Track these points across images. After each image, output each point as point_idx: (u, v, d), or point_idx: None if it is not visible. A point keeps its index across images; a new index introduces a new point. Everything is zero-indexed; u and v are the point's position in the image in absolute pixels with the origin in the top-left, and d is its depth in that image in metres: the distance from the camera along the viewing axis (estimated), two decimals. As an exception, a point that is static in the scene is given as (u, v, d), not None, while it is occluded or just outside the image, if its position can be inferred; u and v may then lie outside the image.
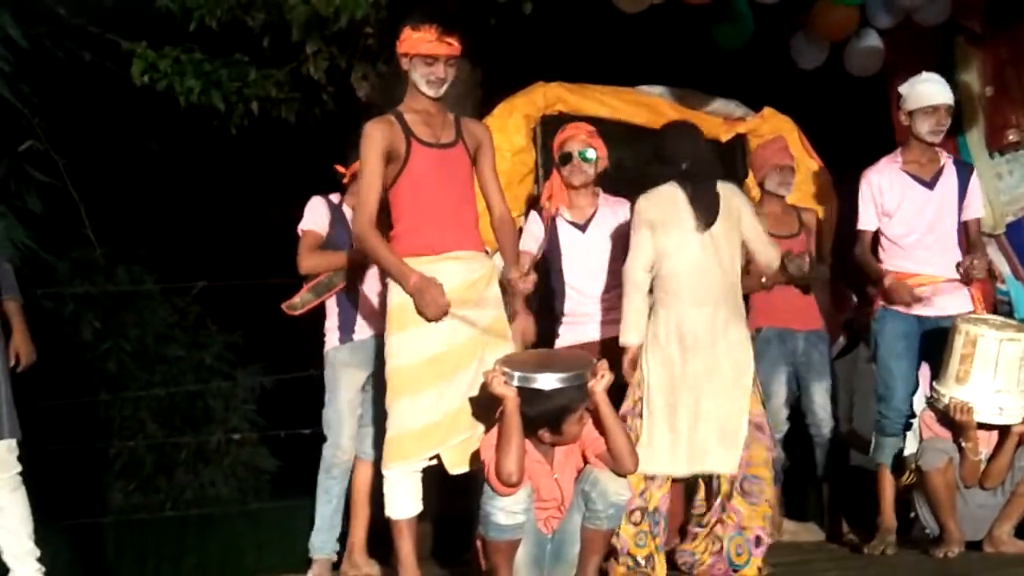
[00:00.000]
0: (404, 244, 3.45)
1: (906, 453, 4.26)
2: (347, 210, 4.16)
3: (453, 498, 3.85)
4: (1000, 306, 5.27)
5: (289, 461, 4.06)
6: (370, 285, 4.05)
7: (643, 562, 3.64)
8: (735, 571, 3.68)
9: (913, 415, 4.25)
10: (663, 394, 3.70)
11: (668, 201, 3.77)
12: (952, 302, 4.21)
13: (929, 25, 5.37)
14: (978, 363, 3.92)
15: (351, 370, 4.06)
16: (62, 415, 5.86)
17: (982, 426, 4.02)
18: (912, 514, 4.26)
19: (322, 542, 4.09)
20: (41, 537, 3.85)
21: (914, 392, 4.30)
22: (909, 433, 4.31)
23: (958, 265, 4.20)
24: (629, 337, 3.76)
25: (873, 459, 4.33)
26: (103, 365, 6.31)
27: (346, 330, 4.08)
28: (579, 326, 4.23)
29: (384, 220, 3.50)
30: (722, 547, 3.69)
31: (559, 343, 4.24)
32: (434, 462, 3.46)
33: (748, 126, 5.40)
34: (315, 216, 4.16)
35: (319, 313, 4.18)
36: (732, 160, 5.38)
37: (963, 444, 4.03)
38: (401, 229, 3.48)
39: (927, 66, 4.63)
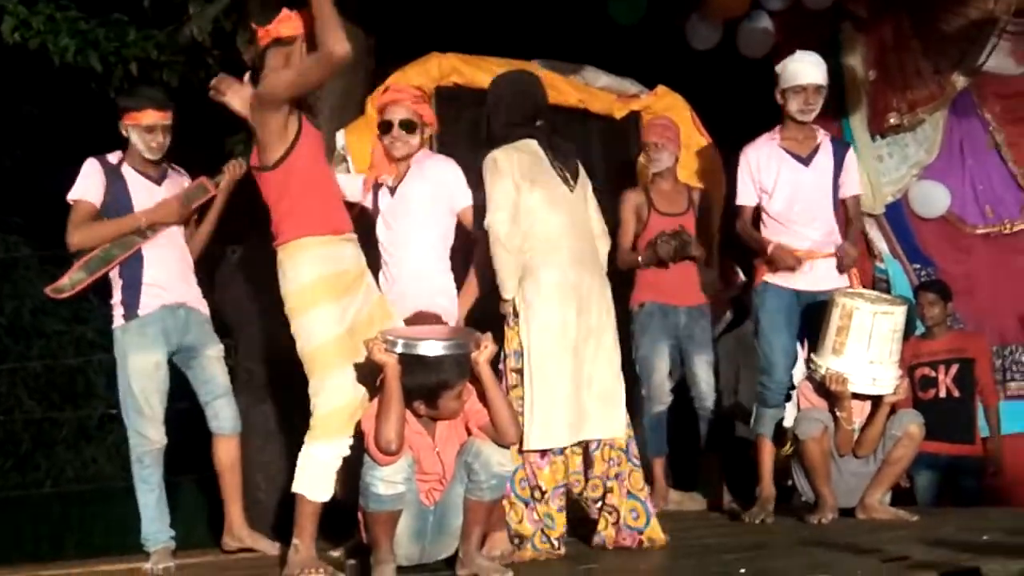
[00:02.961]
0: (307, 224, 3.38)
1: (787, 424, 4.38)
2: (128, 172, 3.88)
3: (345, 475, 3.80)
4: (878, 284, 5.47)
5: (173, 436, 3.96)
6: (156, 252, 3.86)
7: (555, 543, 3.57)
8: (640, 534, 3.65)
9: (793, 387, 4.36)
10: (547, 361, 3.55)
11: (531, 156, 3.62)
12: (829, 277, 4.33)
13: (817, 9, 5.50)
14: (853, 335, 4.04)
15: (142, 351, 3.80)
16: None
17: (856, 396, 4.14)
18: (790, 482, 4.38)
19: (154, 533, 3.88)
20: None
21: (793, 364, 4.41)
22: (789, 404, 4.43)
23: (836, 249, 4.30)
24: (507, 289, 3.58)
25: (754, 430, 4.43)
26: (-25, 338, 6.06)
27: (131, 306, 3.83)
28: (406, 298, 3.84)
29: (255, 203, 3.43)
30: (618, 517, 3.64)
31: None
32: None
33: (642, 103, 5.45)
34: (88, 183, 3.82)
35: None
36: (626, 137, 5.43)
37: (838, 414, 4.15)
38: (299, 210, 3.38)
39: (813, 48, 4.73)
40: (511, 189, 3.57)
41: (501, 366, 3.61)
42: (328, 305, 3.37)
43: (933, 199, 5.64)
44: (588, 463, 3.68)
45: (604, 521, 3.68)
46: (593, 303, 3.63)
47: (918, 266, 5.58)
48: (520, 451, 3.51)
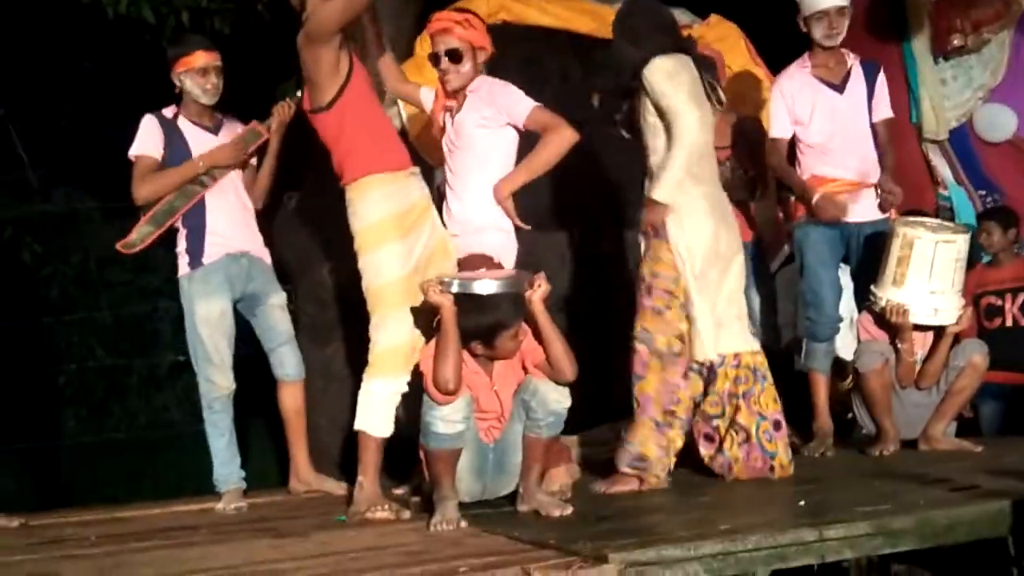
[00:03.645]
0: (373, 161, 3.40)
1: (847, 357, 4.34)
2: (185, 125, 3.91)
3: (409, 416, 3.86)
4: (942, 211, 5.32)
5: (241, 381, 4.05)
6: (217, 202, 3.90)
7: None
8: (772, 459, 3.65)
9: (841, 320, 4.30)
10: (708, 270, 3.60)
11: (691, 72, 3.61)
12: (874, 207, 4.24)
13: (876, -71, 5.31)
14: (914, 265, 3.97)
15: (207, 299, 3.85)
16: (8, 341, 5.78)
17: (918, 327, 4.08)
18: (850, 415, 4.35)
19: (225, 476, 3.96)
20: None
21: (839, 297, 4.35)
22: (850, 337, 4.38)
23: (876, 186, 4.21)
24: (668, 192, 3.57)
25: (805, 364, 4.39)
26: (46, 292, 6.22)
27: (195, 255, 3.86)
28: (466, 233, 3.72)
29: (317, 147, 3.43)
30: (748, 436, 3.63)
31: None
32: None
33: (695, 33, 5.31)
34: (147, 138, 3.86)
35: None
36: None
37: (899, 345, 4.10)
38: (362, 147, 3.39)
39: (872, -28, 4.59)
40: (688, 97, 3.56)
41: (644, 290, 3.62)
42: (395, 243, 3.40)
43: (999, 122, 5.45)
44: (710, 380, 3.67)
45: (730, 440, 3.66)
46: (730, 220, 3.72)
47: (983, 192, 5.42)
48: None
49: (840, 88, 4.27)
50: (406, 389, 3.44)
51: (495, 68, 4.57)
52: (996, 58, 5.44)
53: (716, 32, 5.32)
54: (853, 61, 4.32)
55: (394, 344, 3.41)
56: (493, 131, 3.63)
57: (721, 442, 3.67)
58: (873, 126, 4.29)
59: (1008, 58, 5.45)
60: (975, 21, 5.29)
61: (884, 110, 4.33)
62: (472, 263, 3.59)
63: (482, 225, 3.62)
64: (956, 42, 5.34)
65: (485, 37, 3.72)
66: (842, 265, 4.44)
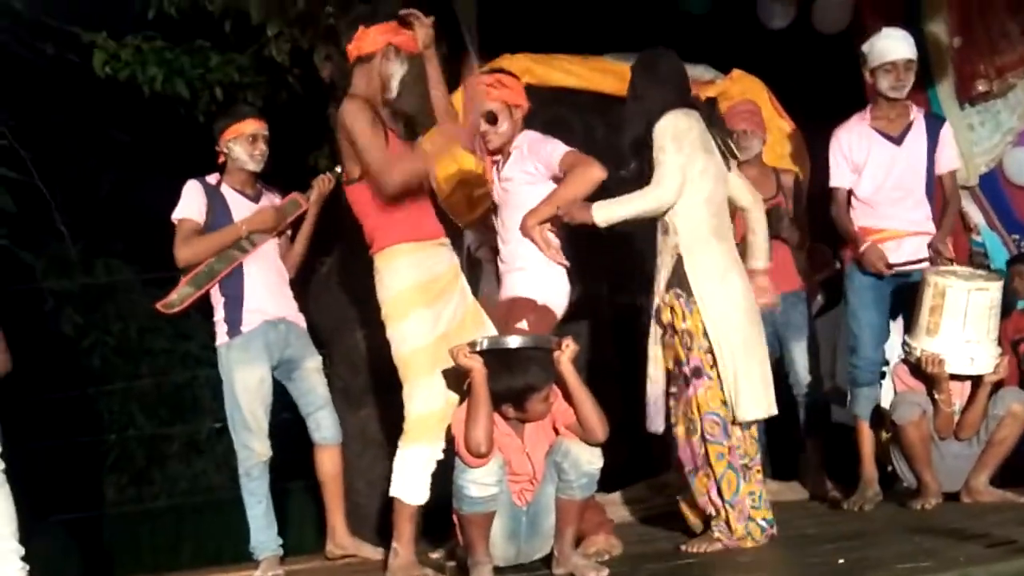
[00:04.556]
0: (397, 232, 3.45)
1: (884, 406, 4.29)
2: (228, 192, 4.01)
3: (443, 481, 3.86)
4: (975, 257, 5.28)
5: (279, 445, 4.09)
6: (255, 269, 3.96)
7: (765, 524, 3.55)
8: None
9: (886, 363, 4.26)
10: (742, 325, 3.55)
11: (700, 123, 3.62)
12: (919, 253, 4.20)
13: (895, -23, 5.35)
14: (947, 314, 3.93)
15: (246, 367, 3.90)
16: (50, 411, 5.87)
17: (955, 377, 4.03)
18: (890, 468, 4.28)
19: (263, 543, 3.99)
20: (35, 533, 3.84)
21: (883, 341, 4.31)
22: (887, 387, 4.32)
23: (928, 245, 4.19)
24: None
25: (850, 412, 4.34)
26: (88, 361, 6.33)
27: (234, 324, 3.92)
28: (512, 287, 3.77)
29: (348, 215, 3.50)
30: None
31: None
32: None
33: (718, 89, 5.36)
34: (191, 202, 3.95)
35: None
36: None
37: (936, 396, 4.04)
38: (392, 217, 3.46)
39: (894, 19, 4.61)
40: (686, 157, 3.55)
41: (683, 361, 3.55)
42: (422, 311, 3.43)
43: (1030, 166, 5.42)
44: None
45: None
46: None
47: (1017, 236, 5.37)
48: (733, 422, 3.53)
49: (898, 140, 4.26)
50: (441, 456, 3.45)
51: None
52: (1023, 102, 5.43)
53: (740, 86, 5.35)
54: (916, 115, 4.31)
55: (426, 411, 3.43)
56: (537, 186, 3.71)
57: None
58: (939, 178, 4.29)
59: (1035, 101, 5.44)
60: (999, 67, 5.28)
61: (948, 162, 4.32)
62: (516, 306, 3.62)
63: (524, 265, 3.68)
64: (981, 88, 5.33)
65: (519, 94, 3.83)
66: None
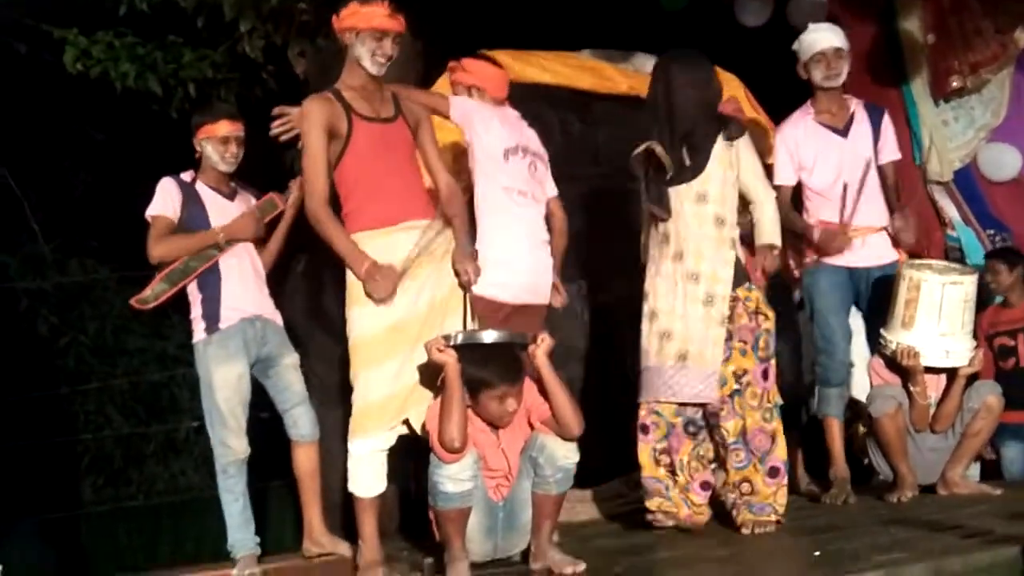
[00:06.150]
0: (357, 219, 3.43)
1: (861, 399, 4.30)
2: (203, 189, 3.97)
3: (420, 473, 3.85)
4: (951, 252, 5.31)
5: (256, 444, 4.06)
6: (231, 266, 3.93)
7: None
8: None
9: (853, 364, 4.28)
10: None
11: None
12: (883, 251, 4.24)
13: (870, -27, 5.36)
14: (922, 308, 3.95)
15: (225, 363, 3.86)
16: (26, 412, 5.82)
17: (930, 370, 4.05)
18: (867, 461, 4.30)
19: (240, 541, 3.96)
20: (11, 534, 3.79)
21: (849, 342, 4.33)
22: (866, 380, 4.34)
23: (887, 228, 4.23)
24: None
25: (819, 411, 4.36)
26: (63, 360, 6.26)
27: (212, 320, 3.88)
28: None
29: (332, 202, 3.47)
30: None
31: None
32: (404, 429, 3.43)
33: (696, 85, 5.38)
34: (165, 199, 3.91)
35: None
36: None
37: (912, 389, 4.06)
38: (352, 206, 3.45)
39: (868, 16, 4.63)
40: None
41: (767, 355, 3.71)
42: (367, 301, 3.39)
43: (1003, 161, 5.46)
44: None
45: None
46: None
47: (992, 231, 5.41)
48: None
49: (844, 132, 4.29)
50: (385, 446, 3.42)
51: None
52: (997, 98, 5.46)
53: (716, 83, 5.36)
54: (856, 105, 4.35)
55: (363, 403, 3.40)
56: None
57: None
58: (880, 168, 4.31)
59: (1009, 97, 5.47)
60: (973, 63, 5.31)
61: (890, 152, 4.35)
62: (526, 312, 3.64)
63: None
64: (955, 83, 5.36)
65: (479, 76, 3.94)
66: (853, 309, 4.43)
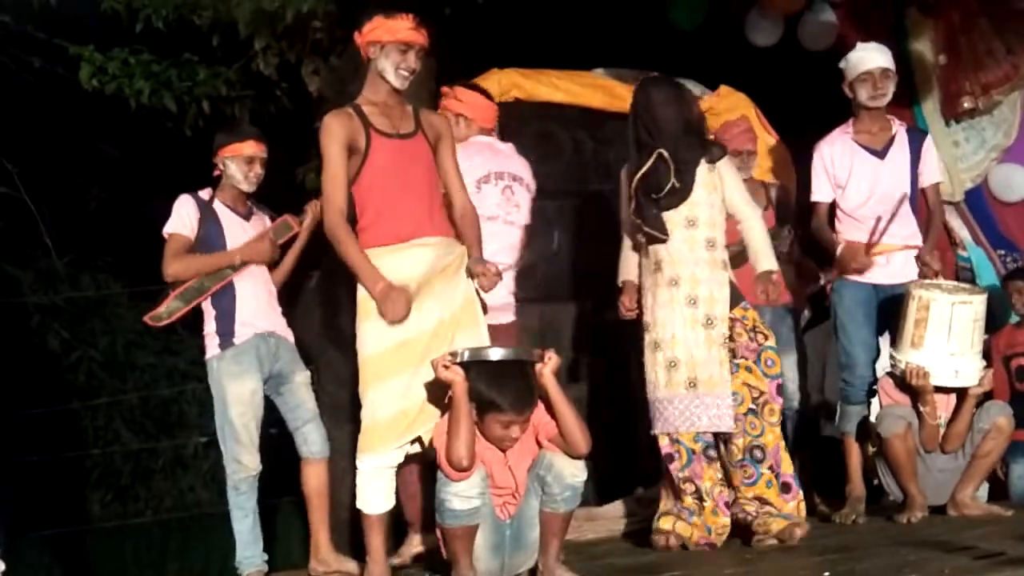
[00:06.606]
0: (371, 235, 3.44)
1: (871, 419, 4.29)
2: (220, 208, 3.98)
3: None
4: (962, 272, 5.31)
5: (267, 461, 4.06)
6: (245, 284, 3.94)
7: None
8: None
9: (876, 381, 4.27)
10: None
11: None
12: (907, 269, 4.23)
13: (880, -5, 5.39)
14: (932, 327, 3.94)
15: (239, 379, 3.86)
16: (35, 426, 5.83)
17: (939, 390, 4.04)
18: (876, 481, 4.28)
19: (248, 558, 3.95)
20: (19, 549, 3.79)
21: (876, 359, 4.32)
22: (873, 401, 4.33)
23: (916, 258, 4.22)
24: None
25: (839, 428, 4.34)
26: (74, 375, 6.29)
27: (226, 335, 3.88)
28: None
29: (350, 216, 3.48)
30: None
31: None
32: (415, 447, 3.43)
33: (705, 104, 5.38)
34: (182, 217, 3.92)
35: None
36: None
37: (921, 409, 4.04)
38: (367, 221, 3.45)
39: (880, 37, 4.64)
40: None
41: (776, 372, 3.80)
42: (376, 318, 3.39)
43: (1014, 182, 5.45)
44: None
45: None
46: None
47: (1003, 252, 5.40)
48: None
49: (881, 154, 4.28)
50: (394, 463, 3.42)
51: (510, 142, 4.68)
52: (1008, 119, 5.47)
53: (727, 102, 5.39)
54: (899, 128, 4.34)
55: (371, 421, 3.40)
56: None
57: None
58: (923, 191, 4.31)
59: (1021, 118, 5.48)
60: (984, 84, 5.33)
61: (931, 175, 4.34)
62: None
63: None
64: (966, 104, 5.37)
65: (469, 107, 4.13)
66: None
